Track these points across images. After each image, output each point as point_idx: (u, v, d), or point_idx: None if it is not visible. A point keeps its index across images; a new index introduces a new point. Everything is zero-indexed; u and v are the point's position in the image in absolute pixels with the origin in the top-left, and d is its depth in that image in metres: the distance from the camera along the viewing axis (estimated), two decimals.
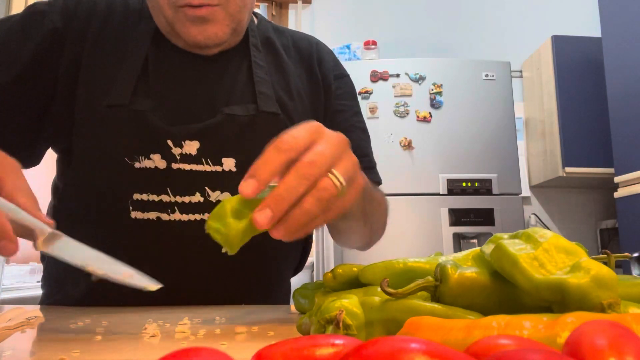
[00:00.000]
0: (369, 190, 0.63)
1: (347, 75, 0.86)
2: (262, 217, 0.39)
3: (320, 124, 0.44)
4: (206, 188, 0.67)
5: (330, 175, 0.41)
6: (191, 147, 0.67)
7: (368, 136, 0.84)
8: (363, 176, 0.57)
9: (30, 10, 0.71)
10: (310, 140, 0.42)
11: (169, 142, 0.66)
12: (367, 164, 0.79)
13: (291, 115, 0.74)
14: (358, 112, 0.85)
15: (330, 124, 0.80)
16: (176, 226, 0.66)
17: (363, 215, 0.65)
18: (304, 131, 0.42)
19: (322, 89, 0.81)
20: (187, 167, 0.66)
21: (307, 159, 0.40)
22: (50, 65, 0.69)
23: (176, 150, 0.66)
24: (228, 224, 0.40)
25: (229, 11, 0.67)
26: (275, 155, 0.40)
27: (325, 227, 0.78)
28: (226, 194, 0.67)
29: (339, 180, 0.42)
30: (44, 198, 0.78)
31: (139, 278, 0.42)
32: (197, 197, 0.66)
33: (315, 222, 0.42)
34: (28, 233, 0.38)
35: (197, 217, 0.66)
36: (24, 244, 0.39)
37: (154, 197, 0.66)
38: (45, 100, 0.69)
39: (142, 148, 0.66)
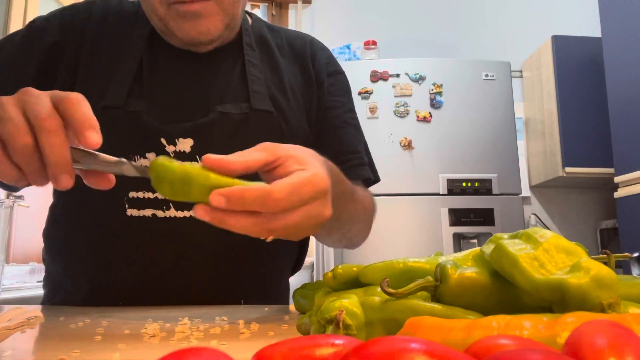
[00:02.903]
0: (335, 209, 0.63)
1: (342, 73, 0.86)
2: (201, 214, 0.41)
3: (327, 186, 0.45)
4: None
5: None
6: (185, 144, 0.67)
7: (361, 133, 0.84)
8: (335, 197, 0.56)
9: (30, 28, 0.73)
10: (301, 203, 0.42)
11: (163, 140, 0.67)
12: (358, 160, 0.79)
13: (284, 113, 0.74)
14: (351, 109, 0.84)
15: (323, 120, 0.80)
16: (172, 223, 0.67)
17: (327, 230, 0.67)
18: (306, 193, 0.42)
19: (315, 86, 0.81)
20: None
21: (280, 225, 0.41)
22: (51, 77, 0.71)
23: (170, 148, 0.67)
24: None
25: (222, 5, 0.67)
26: (260, 206, 0.40)
27: None
28: None
29: (269, 238, 0.44)
30: (47, 197, 0.78)
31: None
32: None
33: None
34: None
35: (193, 213, 0.67)
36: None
37: (149, 195, 0.67)
38: None
39: (137, 147, 0.67)
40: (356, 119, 0.84)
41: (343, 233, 0.71)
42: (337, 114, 0.81)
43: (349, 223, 0.69)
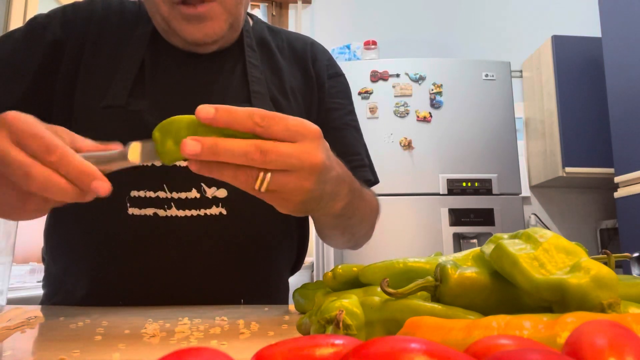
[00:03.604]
0: (350, 205, 0.61)
1: (342, 75, 0.87)
2: (191, 147, 0.39)
3: (319, 136, 0.44)
4: (202, 184, 0.68)
5: (261, 173, 0.41)
6: None
7: (361, 135, 0.84)
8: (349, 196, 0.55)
9: (31, 24, 0.73)
10: (289, 136, 0.41)
11: None
12: (359, 162, 0.80)
13: (285, 114, 0.74)
14: (352, 111, 0.85)
15: (324, 122, 0.80)
16: (173, 222, 0.67)
17: (341, 230, 0.68)
18: (293, 125, 0.42)
19: (316, 88, 0.81)
20: (183, 163, 0.66)
21: (272, 145, 0.40)
22: (51, 75, 0.70)
23: None
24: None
25: (225, 7, 0.68)
26: (246, 120, 0.40)
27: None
28: (222, 190, 0.68)
29: (263, 184, 0.41)
30: None
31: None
32: (194, 193, 0.67)
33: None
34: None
35: (194, 212, 0.67)
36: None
37: (150, 194, 0.67)
38: (47, 108, 0.71)
39: None
40: (356, 121, 0.85)
41: (353, 232, 0.72)
42: (338, 116, 0.81)
43: (360, 223, 0.69)
